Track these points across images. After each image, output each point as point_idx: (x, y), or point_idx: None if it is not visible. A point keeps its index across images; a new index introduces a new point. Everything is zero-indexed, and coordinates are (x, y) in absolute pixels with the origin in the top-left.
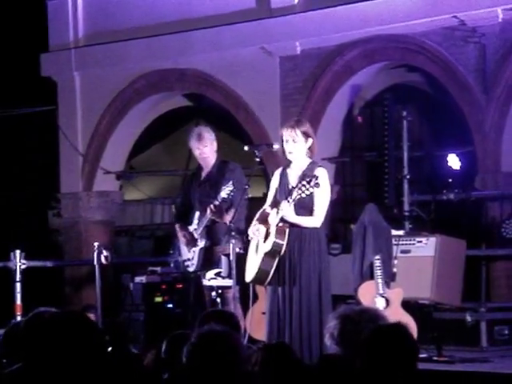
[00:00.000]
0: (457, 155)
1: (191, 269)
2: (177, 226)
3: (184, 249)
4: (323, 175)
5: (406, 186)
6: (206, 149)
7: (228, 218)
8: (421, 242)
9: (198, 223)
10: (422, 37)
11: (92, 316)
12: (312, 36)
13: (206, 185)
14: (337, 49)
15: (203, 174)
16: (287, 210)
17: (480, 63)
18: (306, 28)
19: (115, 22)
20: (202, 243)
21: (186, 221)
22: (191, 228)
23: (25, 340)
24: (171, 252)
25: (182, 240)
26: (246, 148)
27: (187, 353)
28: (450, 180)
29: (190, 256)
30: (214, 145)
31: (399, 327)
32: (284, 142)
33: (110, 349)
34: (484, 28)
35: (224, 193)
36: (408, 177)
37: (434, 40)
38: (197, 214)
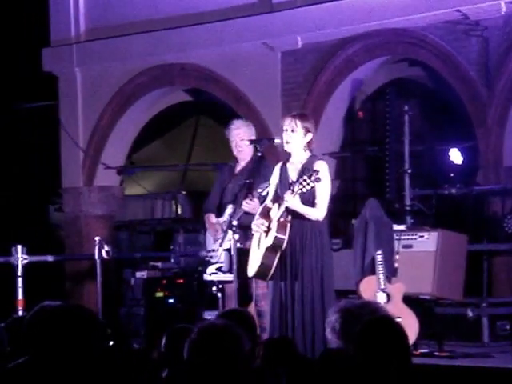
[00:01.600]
0: (459, 149)
1: (214, 260)
2: (206, 217)
3: (210, 240)
4: (324, 168)
5: (407, 180)
6: (241, 142)
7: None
8: (422, 236)
9: (230, 216)
10: (424, 31)
11: None
12: (313, 30)
13: (240, 178)
14: (338, 43)
15: (238, 168)
16: (292, 200)
17: (482, 57)
18: (308, 22)
19: (117, 17)
20: (231, 236)
21: (216, 212)
22: (221, 220)
23: (30, 334)
24: (172, 247)
25: (210, 231)
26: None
27: (188, 349)
28: (452, 174)
29: (215, 247)
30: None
31: (388, 319)
32: (283, 132)
33: (112, 343)
34: (487, 21)
35: (262, 190)
36: (409, 171)
37: (436, 34)
38: (229, 206)
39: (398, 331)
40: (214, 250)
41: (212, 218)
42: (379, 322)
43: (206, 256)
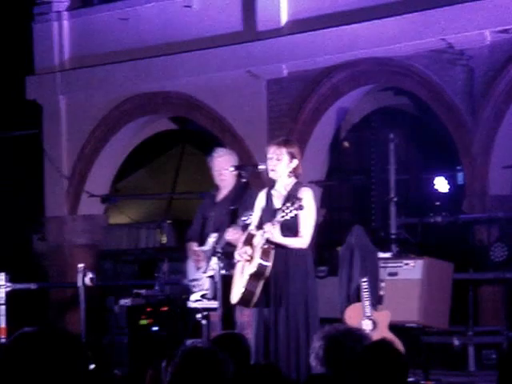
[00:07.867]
0: (444, 178)
1: (196, 289)
2: (188, 245)
3: (191, 269)
4: (308, 196)
5: (392, 208)
6: (224, 170)
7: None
8: (408, 264)
9: (214, 244)
10: (410, 60)
11: None
12: (299, 59)
13: (222, 206)
14: (324, 71)
15: (220, 196)
16: (272, 231)
17: (468, 86)
18: (293, 51)
19: (101, 46)
20: (215, 263)
21: (198, 240)
22: (204, 248)
23: (10, 359)
24: (156, 275)
25: (192, 259)
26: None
27: (170, 372)
28: (438, 203)
29: (198, 276)
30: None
31: (387, 344)
32: (268, 159)
33: (92, 366)
34: (472, 50)
35: (247, 218)
36: (395, 199)
37: (422, 63)
38: (212, 235)
39: (399, 355)
40: (196, 280)
41: (194, 246)
42: (380, 347)
43: (188, 285)
